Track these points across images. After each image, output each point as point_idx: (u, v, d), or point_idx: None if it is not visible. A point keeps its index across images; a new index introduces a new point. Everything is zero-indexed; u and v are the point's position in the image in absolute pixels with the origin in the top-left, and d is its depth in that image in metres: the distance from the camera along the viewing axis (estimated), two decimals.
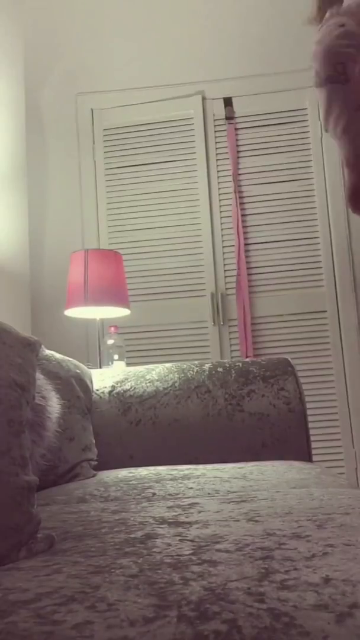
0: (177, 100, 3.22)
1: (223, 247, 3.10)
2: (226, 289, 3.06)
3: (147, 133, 3.22)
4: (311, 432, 2.74)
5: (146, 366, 1.86)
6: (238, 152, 3.15)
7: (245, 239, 3.07)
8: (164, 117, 3.22)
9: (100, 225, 3.20)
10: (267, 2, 3.24)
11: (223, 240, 3.10)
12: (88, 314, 2.62)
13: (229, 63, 3.22)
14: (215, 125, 3.20)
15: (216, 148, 3.17)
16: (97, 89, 3.26)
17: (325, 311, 3.04)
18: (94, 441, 1.59)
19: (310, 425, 1.76)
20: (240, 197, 3.13)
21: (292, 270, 3.09)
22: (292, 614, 0.45)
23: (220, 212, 3.12)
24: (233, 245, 3.08)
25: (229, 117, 3.15)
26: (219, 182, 3.12)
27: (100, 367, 2.51)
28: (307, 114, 3.16)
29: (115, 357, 2.46)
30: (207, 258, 3.09)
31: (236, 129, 3.15)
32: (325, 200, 3.11)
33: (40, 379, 1.08)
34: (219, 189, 3.11)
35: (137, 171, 3.20)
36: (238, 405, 1.68)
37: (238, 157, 3.15)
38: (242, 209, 3.07)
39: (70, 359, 1.66)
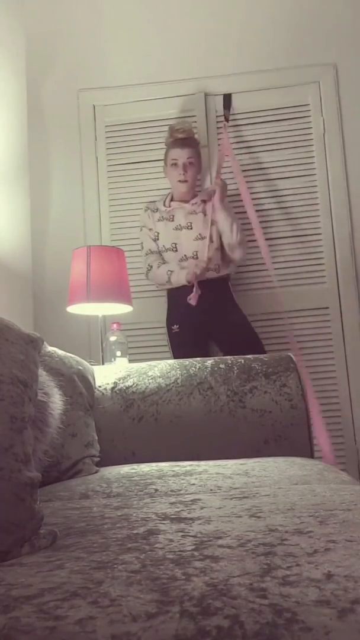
0: (179, 97, 3.21)
1: None
2: None
3: (149, 130, 3.21)
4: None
5: (148, 363, 1.86)
6: (237, 148, 3.14)
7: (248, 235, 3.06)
8: (166, 115, 3.21)
9: (103, 221, 3.20)
10: None
11: None
12: (90, 311, 2.62)
13: (230, 59, 3.21)
14: (217, 122, 3.19)
15: (218, 145, 3.16)
16: (99, 85, 3.26)
17: (327, 307, 3.04)
18: (96, 437, 1.59)
19: (312, 421, 1.76)
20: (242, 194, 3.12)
21: (294, 266, 3.08)
22: (294, 609, 0.45)
23: None
24: None
25: (227, 119, 3.13)
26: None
27: (103, 364, 2.52)
28: (309, 110, 3.15)
29: (118, 353, 2.46)
30: None
31: (230, 132, 3.12)
32: (328, 197, 3.10)
33: (43, 375, 1.08)
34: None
35: (139, 168, 3.20)
36: (240, 401, 1.68)
37: (238, 154, 3.14)
38: (242, 206, 3.07)
39: (72, 355, 1.66)
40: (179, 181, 2.84)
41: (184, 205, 2.87)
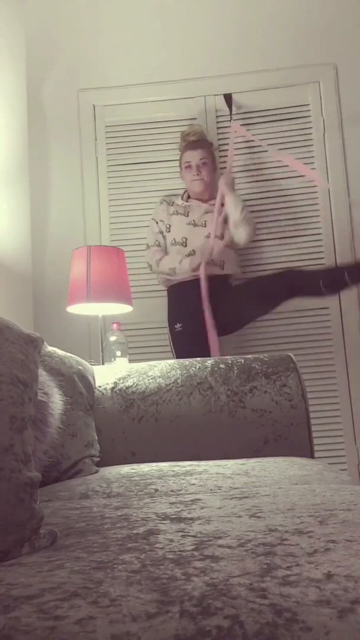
0: (179, 97, 3.21)
1: None
2: None
3: (149, 130, 3.21)
4: (313, 428, 2.74)
5: (148, 363, 1.86)
6: (238, 148, 3.14)
7: None
8: (166, 115, 3.21)
9: (102, 221, 3.20)
10: None
11: None
12: (90, 311, 2.62)
13: (230, 59, 3.21)
14: (217, 122, 3.19)
15: (218, 145, 3.16)
16: (99, 85, 3.26)
17: (327, 307, 3.04)
18: (96, 437, 1.59)
19: (312, 421, 1.76)
20: (242, 194, 3.12)
21: (294, 267, 3.08)
22: (294, 609, 0.45)
23: None
24: None
25: (232, 114, 3.14)
26: None
27: (103, 364, 2.52)
28: (309, 110, 3.15)
29: (118, 353, 2.46)
30: None
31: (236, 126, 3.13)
32: (328, 196, 3.10)
33: (43, 375, 1.08)
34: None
35: (139, 168, 3.20)
36: (240, 401, 1.68)
37: (238, 154, 3.14)
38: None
39: (72, 355, 1.66)
40: (193, 180, 2.88)
41: (201, 204, 2.90)
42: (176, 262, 2.79)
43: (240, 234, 2.80)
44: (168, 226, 2.89)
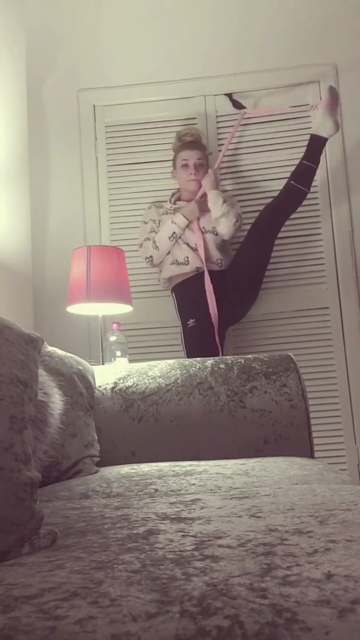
0: (179, 97, 3.21)
1: None
2: None
3: (149, 130, 3.21)
4: (313, 428, 2.74)
5: (148, 363, 1.86)
6: (238, 149, 3.15)
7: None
8: (166, 117, 3.21)
9: (102, 221, 3.20)
10: None
11: None
12: (90, 311, 2.62)
13: (230, 59, 3.21)
14: (217, 122, 3.19)
15: (218, 145, 3.16)
16: (99, 85, 3.26)
17: (327, 307, 3.04)
18: (96, 437, 1.59)
19: (312, 421, 1.76)
20: (242, 195, 3.12)
21: (294, 267, 3.08)
22: (294, 609, 0.45)
23: None
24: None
25: (238, 107, 3.14)
26: (221, 179, 3.11)
27: (103, 364, 2.51)
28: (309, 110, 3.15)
29: (118, 353, 2.46)
30: None
31: (241, 124, 3.14)
32: (328, 196, 3.10)
33: (43, 375, 1.08)
34: (221, 186, 3.10)
35: (139, 168, 3.20)
36: (240, 401, 1.68)
37: (238, 153, 3.14)
38: (244, 206, 3.07)
39: (72, 355, 1.66)
40: (189, 180, 2.93)
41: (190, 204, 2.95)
42: (170, 225, 2.85)
43: (222, 228, 2.84)
44: (158, 222, 2.93)
